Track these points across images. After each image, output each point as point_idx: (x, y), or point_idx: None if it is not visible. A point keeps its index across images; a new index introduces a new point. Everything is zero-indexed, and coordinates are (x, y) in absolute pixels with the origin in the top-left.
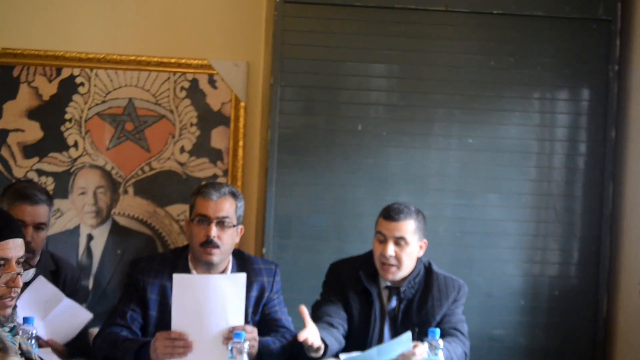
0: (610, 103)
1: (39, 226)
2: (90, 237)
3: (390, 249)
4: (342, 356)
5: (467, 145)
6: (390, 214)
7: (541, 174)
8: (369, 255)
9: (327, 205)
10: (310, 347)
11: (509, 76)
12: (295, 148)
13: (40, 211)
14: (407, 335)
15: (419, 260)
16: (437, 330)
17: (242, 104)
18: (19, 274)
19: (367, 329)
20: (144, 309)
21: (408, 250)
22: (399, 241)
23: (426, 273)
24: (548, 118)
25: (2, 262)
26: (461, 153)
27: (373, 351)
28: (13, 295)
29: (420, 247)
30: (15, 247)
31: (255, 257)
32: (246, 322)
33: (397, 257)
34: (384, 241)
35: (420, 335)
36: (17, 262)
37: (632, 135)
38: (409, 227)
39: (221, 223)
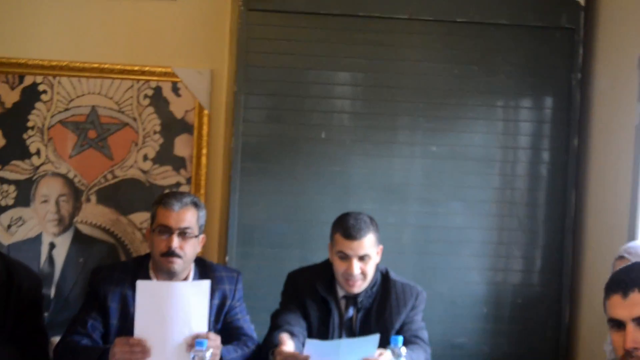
0: (573, 111)
1: None
2: (52, 246)
3: (357, 267)
4: (308, 341)
5: (431, 153)
6: (350, 232)
7: (504, 182)
8: (327, 264)
9: (290, 213)
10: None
11: (473, 84)
12: (258, 156)
13: None
14: (375, 337)
15: (376, 267)
16: (400, 338)
17: (206, 111)
18: None
19: (325, 338)
20: (105, 318)
21: (371, 262)
22: (363, 258)
23: (383, 281)
24: (511, 126)
25: None
26: (425, 161)
27: (338, 343)
28: None
29: (377, 253)
30: None
31: (217, 264)
32: (208, 330)
33: (363, 273)
34: (347, 259)
35: (380, 344)
36: None
37: (595, 144)
38: (369, 242)
39: (183, 234)
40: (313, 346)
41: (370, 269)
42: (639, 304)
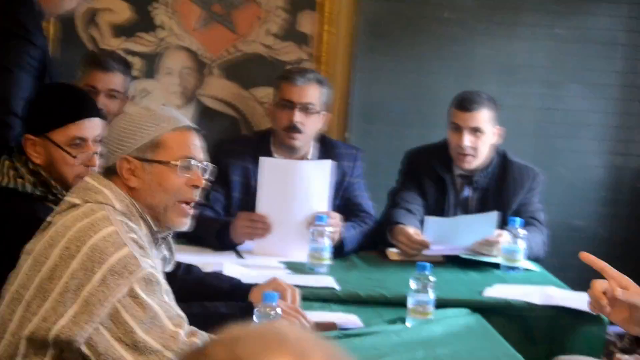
0: None
1: (110, 93)
2: None
3: (467, 140)
4: (427, 218)
5: (554, 36)
6: (464, 104)
7: (628, 66)
8: (444, 143)
9: (411, 92)
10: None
11: None
12: (381, 34)
13: (113, 79)
14: (493, 215)
15: (494, 148)
16: (518, 219)
17: None
18: (95, 153)
19: (441, 216)
20: (227, 190)
21: (484, 139)
22: (474, 131)
23: (501, 162)
24: (636, 9)
25: (78, 141)
26: (548, 43)
27: (456, 220)
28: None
29: (494, 134)
30: (92, 127)
31: (337, 141)
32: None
33: (474, 147)
34: (459, 131)
35: (497, 225)
36: (94, 141)
37: None
38: (483, 116)
39: (305, 109)
40: (432, 223)
41: (483, 146)
42: None
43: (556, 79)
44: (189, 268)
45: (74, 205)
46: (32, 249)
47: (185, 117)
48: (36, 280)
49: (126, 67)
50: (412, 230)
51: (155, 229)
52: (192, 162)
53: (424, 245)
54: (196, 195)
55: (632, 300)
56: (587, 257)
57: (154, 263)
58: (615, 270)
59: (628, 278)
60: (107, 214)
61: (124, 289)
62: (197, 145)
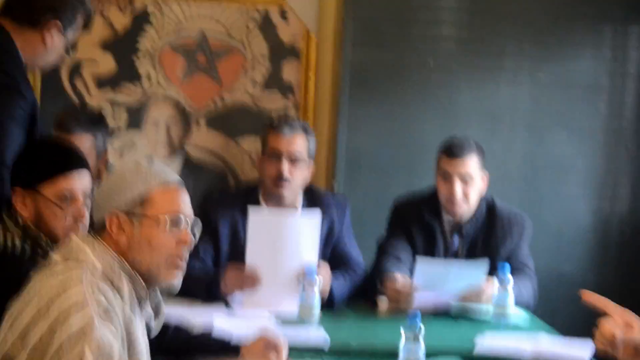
0: None
1: None
2: None
3: (458, 188)
4: (420, 258)
5: (538, 80)
6: (453, 150)
7: (612, 110)
8: (433, 191)
9: (397, 139)
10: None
11: (581, 9)
12: (366, 82)
13: (76, 142)
14: (483, 263)
15: (481, 195)
16: (507, 266)
17: (314, 37)
18: (85, 206)
19: None
20: (216, 242)
21: (474, 185)
22: (465, 178)
23: (489, 209)
24: (620, 52)
25: (68, 194)
26: (532, 88)
27: (448, 267)
28: (81, 229)
29: (482, 179)
30: (81, 180)
31: (325, 191)
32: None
33: (465, 195)
34: (449, 179)
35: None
36: (84, 195)
37: None
38: (472, 163)
39: (293, 159)
40: (424, 264)
41: (473, 193)
42: None
43: (540, 124)
44: (178, 328)
45: (55, 263)
46: (11, 306)
47: (173, 172)
48: (10, 337)
49: (94, 125)
50: (400, 280)
51: (144, 285)
52: (181, 217)
53: (413, 291)
54: (185, 252)
55: (636, 339)
56: (589, 297)
57: (118, 329)
58: (619, 307)
59: (632, 314)
60: (80, 274)
61: (74, 351)
62: (185, 202)
